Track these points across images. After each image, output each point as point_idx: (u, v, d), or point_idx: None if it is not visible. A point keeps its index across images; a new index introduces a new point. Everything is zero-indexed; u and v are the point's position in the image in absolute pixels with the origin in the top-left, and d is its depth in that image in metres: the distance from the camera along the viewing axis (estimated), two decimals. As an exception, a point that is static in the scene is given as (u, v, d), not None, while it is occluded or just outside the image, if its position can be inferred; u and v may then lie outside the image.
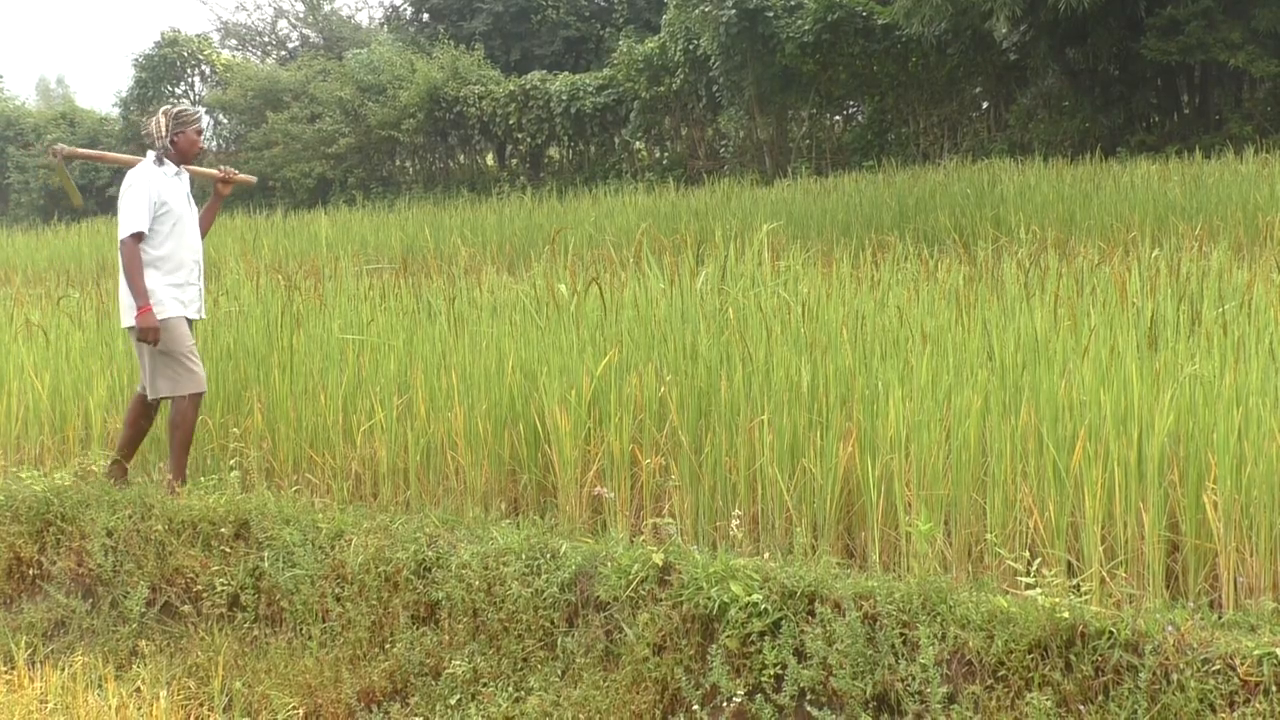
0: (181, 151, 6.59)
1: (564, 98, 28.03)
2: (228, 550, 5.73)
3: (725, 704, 4.40)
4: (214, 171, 7.06)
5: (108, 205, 32.82)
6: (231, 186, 7.07)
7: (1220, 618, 4.09)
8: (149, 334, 6.26)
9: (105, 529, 6.02)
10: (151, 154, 6.56)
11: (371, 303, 7.63)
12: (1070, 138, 21.69)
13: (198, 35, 35.98)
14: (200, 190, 7.09)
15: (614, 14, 35.47)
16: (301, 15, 45.78)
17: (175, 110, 6.63)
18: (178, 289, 6.44)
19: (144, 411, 6.59)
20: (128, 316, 6.40)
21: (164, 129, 6.54)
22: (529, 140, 29.28)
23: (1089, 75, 22.21)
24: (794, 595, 4.43)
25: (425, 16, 39.33)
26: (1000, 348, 5.37)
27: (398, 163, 31.74)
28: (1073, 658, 3.94)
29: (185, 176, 6.65)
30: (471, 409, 6.04)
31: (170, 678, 5.34)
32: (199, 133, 6.67)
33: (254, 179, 7.54)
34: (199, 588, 5.71)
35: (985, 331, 5.73)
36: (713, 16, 23.95)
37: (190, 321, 6.53)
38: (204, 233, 6.80)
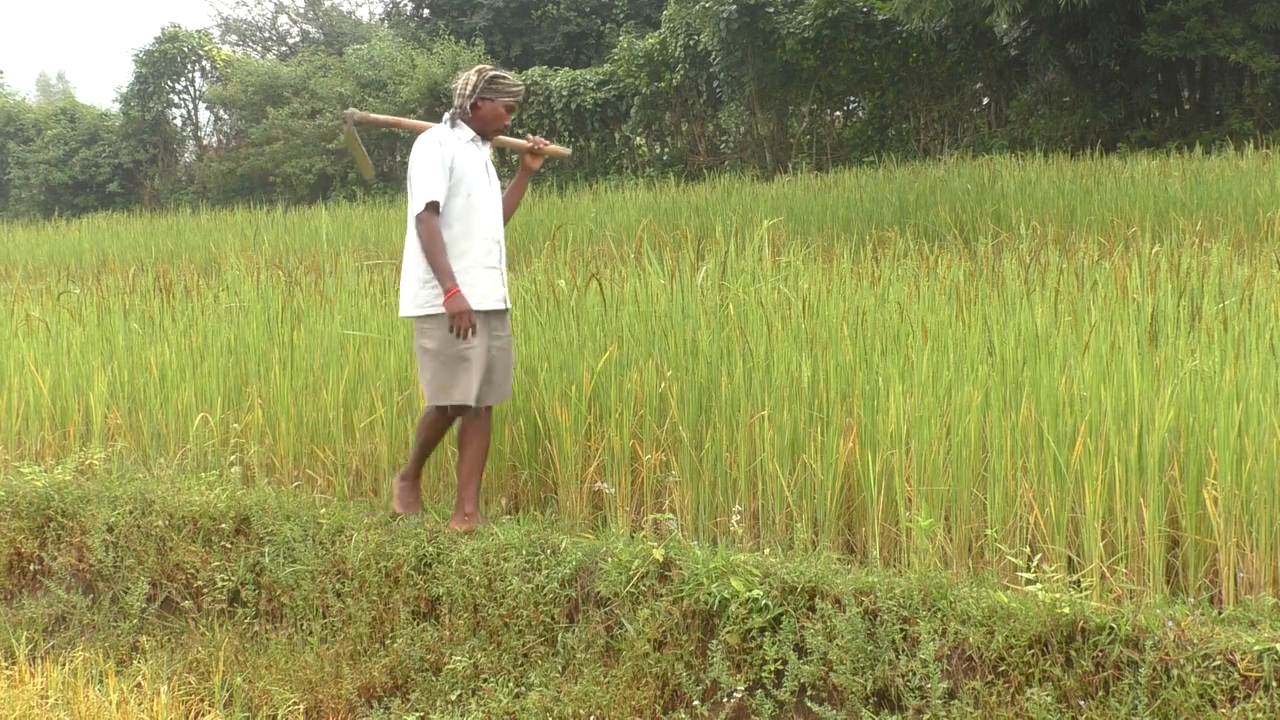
0: (482, 120, 5.64)
1: (564, 93, 28.02)
2: (228, 546, 5.73)
3: (726, 699, 4.40)
4: (521, 141, 6.03)
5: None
6: (541, 160, 6.09)
7: (1220, 613, 4.09)
8: (461, 319, 5.28)
9: (106, 524, 6.02)
10: (446, 116, 5.67)
11: (372, 298, 7.63)
12: (1071, 133, 21.69)
13: (198, 31, 35.94)
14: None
15: (614, 9, 35.46)
16: (302, 10, 45.78)
17: (492, 73, 5.64)
18: (469, 274, 5.46)
19: (441, 423, 5.68)
20: (410, 304, 5.47)
21: (470, 88, 5.61)
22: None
23: (1089, 71, 22.20)
24: (794, 591, 4.43)
25: (426, 12, 39.32)
26: (1001, 343, 5.37)
27: (398, 158, 31.73)
28: (1073, 653, 3.94)
29: (485, 146, 5.71)
30: (472, 405, 6.04)
31: (171, 673, 5.34)
32: (510, 109, 5.67)
33: (568, 150, 6.44)
34: (199, 583, 5.71)
35: (986, 327, 5.73)
36: (713, 12, 23.94)
37: (489, 313, 5.53)
38: (508, 214, 5.86)
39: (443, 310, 5.33)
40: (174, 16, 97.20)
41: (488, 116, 5.64)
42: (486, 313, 5.49)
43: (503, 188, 5.86)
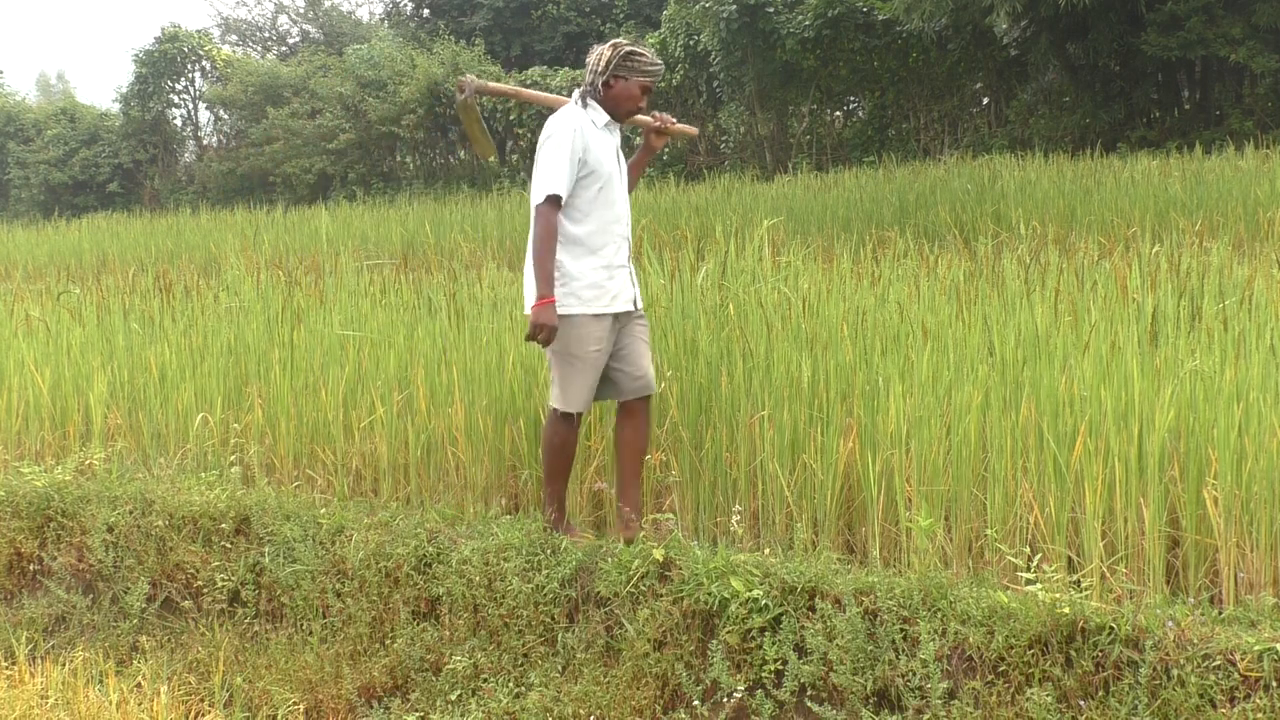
0: (614, 100, 5.10)
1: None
2: (228, 546, 5.73)
3: (726, 700, 4.40)
4: (646, 119, 5.39)
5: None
6: (665, 140, 5.53)
7: (1220, 613, 4.09)
8: (540, 331, 4.88)
9: (106, 524, 6.02)
10: (576, 94, 5.14)
11: (372, 298, 7.62)
12: (1071, 133, 21.70)
13: (198, 31, 35.97)
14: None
15: (614, 9, 35.47)
16: (302, 11, 45.78)
17: (628, 48, 5.09)
18: (600, 273, 5.05)
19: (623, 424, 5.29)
20: (532, 301, 5.02)
21: (603, 65, 5.07)
22: (529, 136, 29.26)
23: (1089, 71, 22.20)
24: (794, 591, 4.43)
25: (426, 12, 39.34)
26: (1001, 343, 5.37)
27: (398, 158, 31.75)
28: (1073, 653, 3.94)
29: (617, 132, 5.24)
30: (472, 404, 6.05)
31: (171, 673, 5.34)
32: (646, 90, 5.13)
33: (695, 130, 5.78)
34: (199, 583, 5.71)
35: (986, 327, 5.73)
36: (713, 12, 23.95)
37: (615, 316, 5.13)
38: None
39: (574, 312, 4.98)
40: (174, 16, 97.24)
41: (620, 97, 5.12)
42: (616, 315, 5.11)
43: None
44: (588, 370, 5.05)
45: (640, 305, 5.25)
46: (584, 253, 5.00)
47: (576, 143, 4.96)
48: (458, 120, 29.62)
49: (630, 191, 5.34)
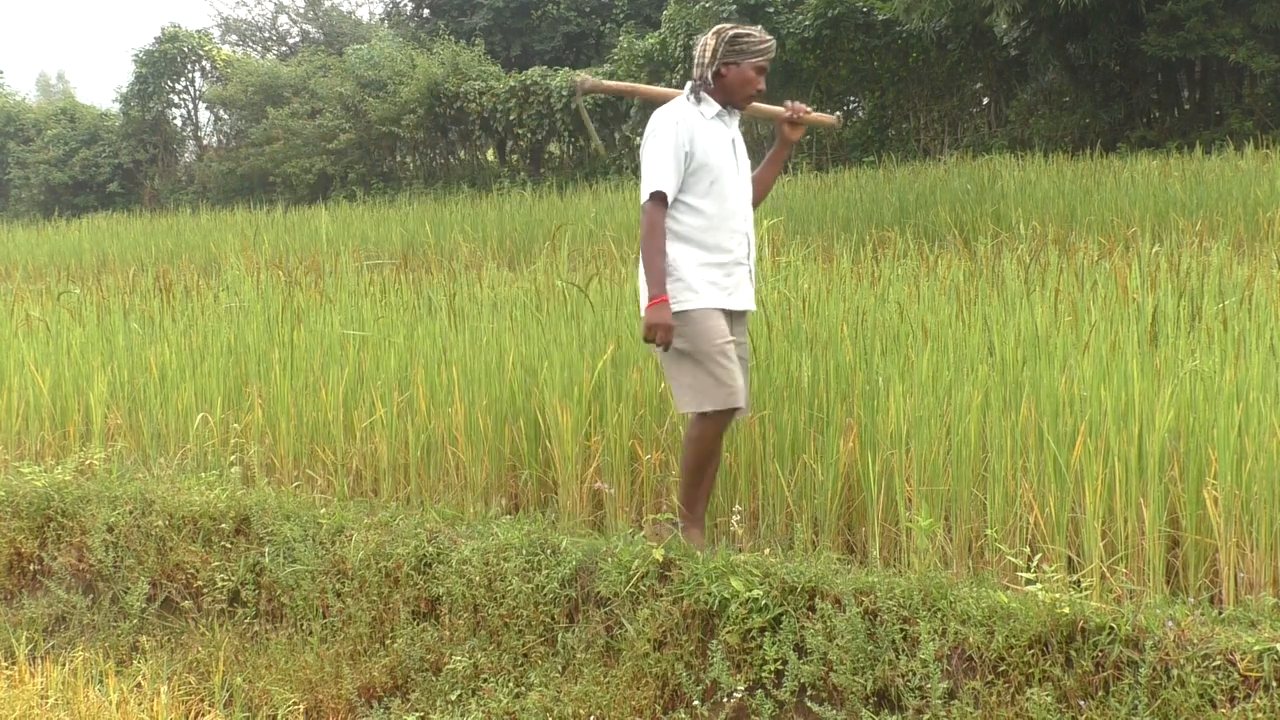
0: (728, 90, 4.85)
1: (564, 93, 28.02)
2: (228, 546, 5.73)
3: (726, 699, 4.40)
4: (777, 109, 5.07)
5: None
6: (802, 131, 5.20)
7: (1220, 613, 4.09)
8: (656, 332, 4.69)
9: (106, 524, 6.02)
10: (687, 86, 4.91)
11: (372, 298, 7.63)
12: (1070, 133, 21.70)
13: (198, 31, 35.97)
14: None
15: (614, 9, 35.47)
16: (302, 11, 45.79)
17: (733, 32, 4.83)
18: (716, 270, 4.82)
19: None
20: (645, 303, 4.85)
21: (710, 54, 4.82)
22: (529, 136, 29.28)
23: (1089, 71, 22.20)
24: (794, 591, 4.43)
25: (426, 12, 39.36)
26: (1001, 343, 5.37)
27: (398, 158, 31.74)
28: (1073, 653, 3.94)
29: (734, 119, 4.95)
30: (472, 405, 6.05)
31: (171, 673, 5.34)
32: (762, 71, 4.84)
33: (835, 119, 5.42)
34: (199, 583, 5.71)
35: (986, 327, 5.73)
36: (713, 12, 23.95)
37: (733, 314, 4.93)
38: (760, 197, 5.13)
39: (693, 306, 4.75)
40: (174, 16, 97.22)
41: (734, 84, 4.84)
42: (731, 313, 4.90)
43: (752, 166, 5.12)
44: (724, 361, 4.75)
45: (754, 306, 5.03)
46: (698, 249, 4.79)
47: (681, 136, 4.75)
48: (458, 120, 29.68)
49: (767, 190, 5.17)
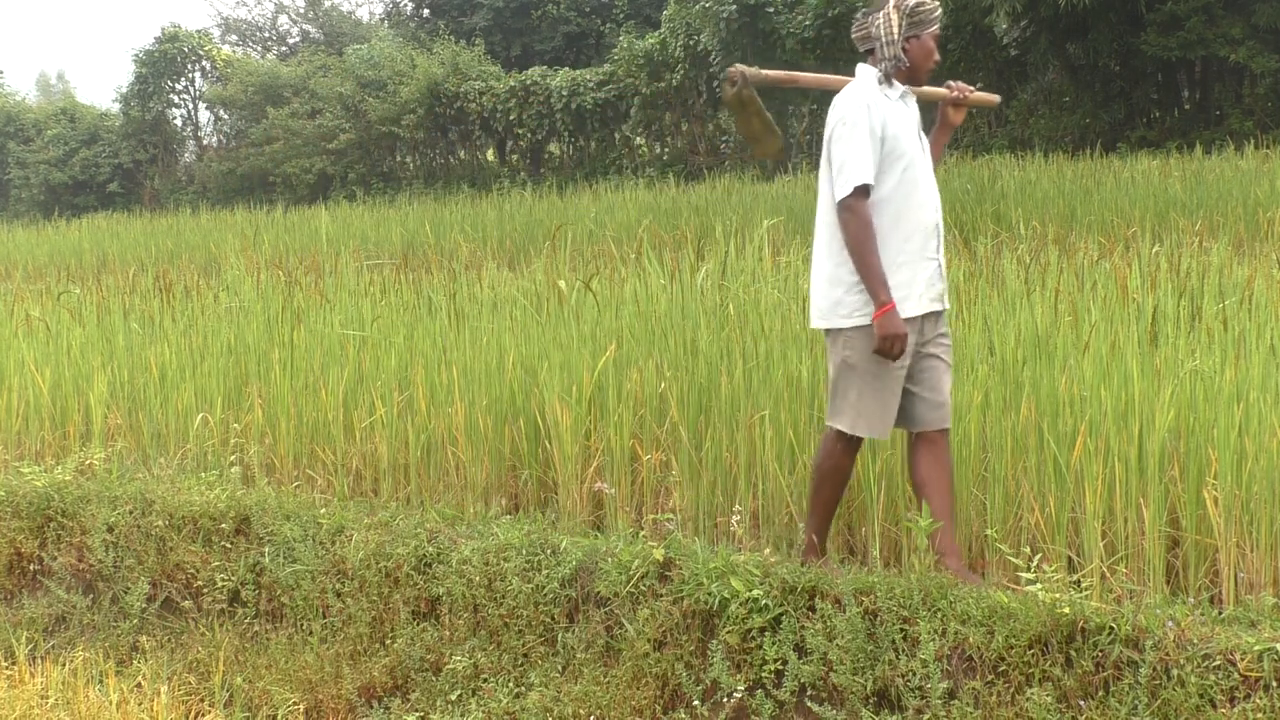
0: (915, 65, 4.49)
1: (564, 93, 28.03)
2: (228, 546, 5.73)
3: (726, 699, 4.40)
4: (941, 90, 4.74)
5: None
6: (964, 112, 4.87)
7: (1220, 613, 4.09)
8: (893, 344, 4.30)
9: (106, 524, 6.02)
10: (868, 70, 4.50)
11: (372, 298, 7.62)
12: (1071, 133, 21.70)
13: (198, 31, 36.00)
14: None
15: (614, 9, 35.49)
16: (302, 11, 45.80)
17: (911, 2, 4.45)
18: (905, 270, 4.42)
19: (932, 455, 4.60)
20: (831, 312, 4.48)
21: (896, 29, 4.41)
22: (529, 136, 29.30)
23: (1089, 71, 22.21)
24: (794, 591, 4.43)
25: (426, 12, 39.37)
26: (1001, 343, 5.37)
27: (398, 158, 31.76)
28: (1073, 653, 3.94)
29: (913, 102, 4.60)
30: (472, 405, 6.05)
31: (171, 673, 5.34)
32: (937, 38, 4.52)
33: (997, 97, 5.20)
34: (199, 583, 5.71)
35: (986, 327, 5.73)
36: (713, 12, 23.96)
37: (925, 317, 4.52)
38: None
39: (900, 328, 4.33)
40: (174, 16, 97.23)
41: (919, 59, 4.49)
42: (923, 317, 4.50)
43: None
44: (889, 387, 4.42)
45: (948, 304, 4.67)
46: (890, 247, 4.38)
47: (874, 119, 4.37)
48: (458, 120, 29.63)
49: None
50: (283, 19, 46.11)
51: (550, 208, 19.51)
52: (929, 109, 4.63)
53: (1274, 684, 3.67)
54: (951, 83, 4.79)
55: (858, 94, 4.43)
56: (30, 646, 5.71)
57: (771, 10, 23.96)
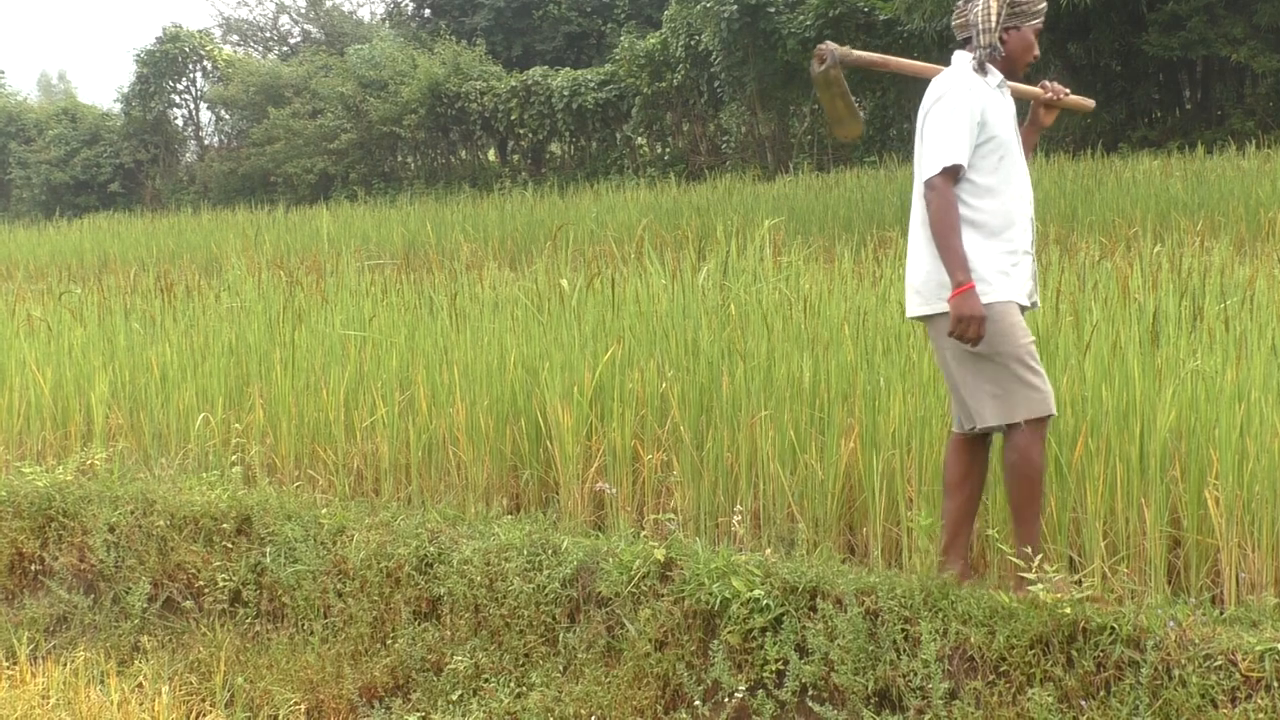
0: (1012, 57, 4.39)
1: (565, 93, 28.04)
2: (229, 546, 5.73)
3: (727, 700, 4.40)
4: (1034, 89, 4.64)
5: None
6: (1056, 113, 4.73)
7: (1222, 613, 4.09)
8: (969, 326, 4.12)
9: (107, 524, 6.02)
10: (964, 57, 4.39)
11: (373, 298, 7.63)
12: (1072, 133, 21.70)
13: (199, 31, 36.04)
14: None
15: (615, 9, 35.49)
16: (303, 11, 45.82)
17: None
18: (1008, 259, 4.28)
19: (971, 456, 4.44)
20: (923, 300, 4.34)
21: (994, 18, 4.30)
22: (530, 136, 29.32)
23: (1091, 70, 22.21)
24: (796, 591, 4.43)
25: (427, 12, 39.38)
26: (1002, 343, 5.36)
27: (399, 158, 31.78)
28: (1074, 653, 3.94)
29: (1009, 94, 4.45)
30: (473, 405, 6.05)
31: (172, 673, 5.34)
32: (1038, 32, 4.42)
33: (1092, 103, 5.00)
34: (201, 583, 5.71)
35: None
36: (714, 12, 23.97)
37: (1023, 310, 4.35)
38: None
39: (990, 300, 4.18)
40: (175, 16, 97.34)
41: (1017, 51, 4.40)
42: (1022, 308, 4.35)
43: None
44: (1032, 361, 4.23)
45: (1039, 303, 4.56)
46: (986, 236, 4.25)
47: (974, 103, 4.25)
48: (459, 120, 29.64)
49: None
50: (284, 19, 46.16)
51: (551, 208, 19.53)
52: (1020, 107, 4.57)
53: (1275, 684, 3.67)
54: (1046, 82, 4.69)
55: (959, 76, 4.33)
56: (31, 646, 5.71)
57: (772, 10, 23.97)
